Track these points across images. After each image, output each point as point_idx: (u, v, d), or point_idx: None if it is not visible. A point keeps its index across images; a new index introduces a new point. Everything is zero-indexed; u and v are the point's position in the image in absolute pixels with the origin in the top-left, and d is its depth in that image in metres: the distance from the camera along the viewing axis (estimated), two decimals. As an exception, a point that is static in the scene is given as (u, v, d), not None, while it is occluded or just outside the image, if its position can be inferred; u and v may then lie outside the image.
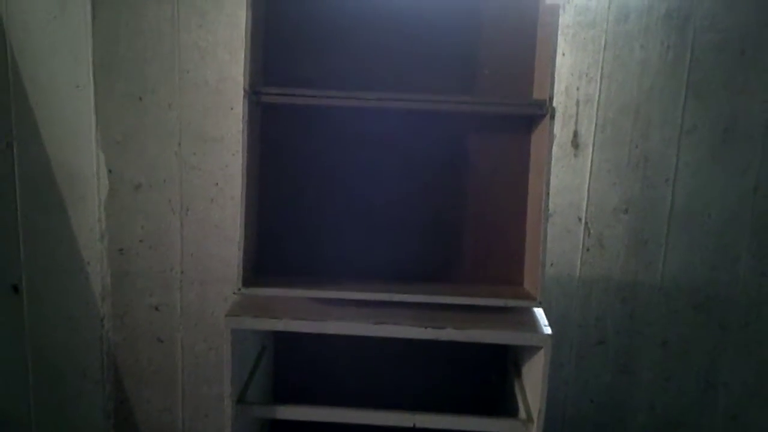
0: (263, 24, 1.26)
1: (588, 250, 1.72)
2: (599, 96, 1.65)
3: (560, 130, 1.66)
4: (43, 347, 1.76)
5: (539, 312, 1.25)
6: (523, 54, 1.29)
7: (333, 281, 1.26)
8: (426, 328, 1.14)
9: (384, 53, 1.31)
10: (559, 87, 1.63)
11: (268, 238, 1.32)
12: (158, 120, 1.66)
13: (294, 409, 1.22)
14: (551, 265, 1.72)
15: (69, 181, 1.68)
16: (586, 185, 1.69)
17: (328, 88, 1.25)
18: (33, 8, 1.60)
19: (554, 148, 1.65)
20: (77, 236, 1.71)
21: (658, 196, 1.68)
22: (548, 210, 1.20)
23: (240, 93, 1.19)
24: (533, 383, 1.18)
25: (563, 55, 1.62)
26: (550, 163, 1.18)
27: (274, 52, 1.30)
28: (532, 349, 1.19)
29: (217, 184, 1.70)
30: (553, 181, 1.66)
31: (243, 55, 1.16)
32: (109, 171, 1.69)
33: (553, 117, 1.17)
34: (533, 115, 1.24)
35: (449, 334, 1.14)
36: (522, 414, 1.21)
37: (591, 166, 1.68)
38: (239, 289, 1.17)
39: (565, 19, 1.60)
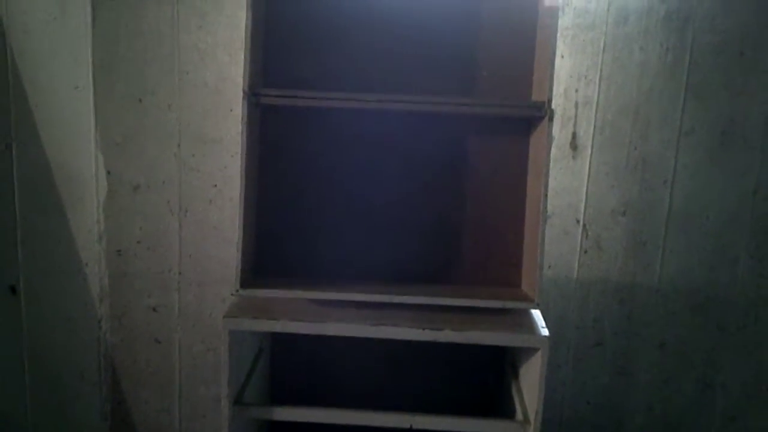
0: (263, 25, 1.27)
1: (586, 251, 1.72)
2: (598, 98, 1.65)
3: (559, 131, 1.66)
4: (40, 348, 1.76)
5: (537, 314, 1.26)
6: (522, 56, 1.29)
7: (331, 283, 1.26)
8: (424, 329, 1.14)
9: (384, 55, 1.31)
10: (558, 89, 1.63)
11: (266, 240, 1.32)
12: (158, 121, 1.67)
13: (291, 411, 1.22)
14: (549, 266, 1.72)
15: (68, 182, 1.69)
16: (585, 187, 1.69)
17: (328, 89, 1.25)
18: (33, 9, 1.60)
19: (553, 150, 1.65)
20: (75, 237, 1.71)
21: (656, 198, 1.68)
22: (546, 212, 1.20)
23: (239, 94, 1.19)
24: (530, 385, 1.18)
25: (562, 57, 1.62)
26: (548, 164, 1.18)
27: (274, 54, 1.30)
28: (530, 351, 1.19)
29: (215, 185, 1.70)
30: (552, 182, 1.66)
31: (242, 57, 1.16)
32: (108, 172, 1.69)
33: (551, 119, 1.17)
34: (532, 117, 1.25)
35: (447, 335, 1.14)
36: (519, 415, 1.21)
37: (589, 168, 1.68)
38: (237, 291, 1.17)
39: (564, 22, 1.61)
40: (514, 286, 1.32)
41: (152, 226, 1.72)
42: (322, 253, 1.34)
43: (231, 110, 1.65)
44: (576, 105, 1.65)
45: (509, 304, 1.20)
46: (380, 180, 1.33)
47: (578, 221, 1.70)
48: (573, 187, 1.69)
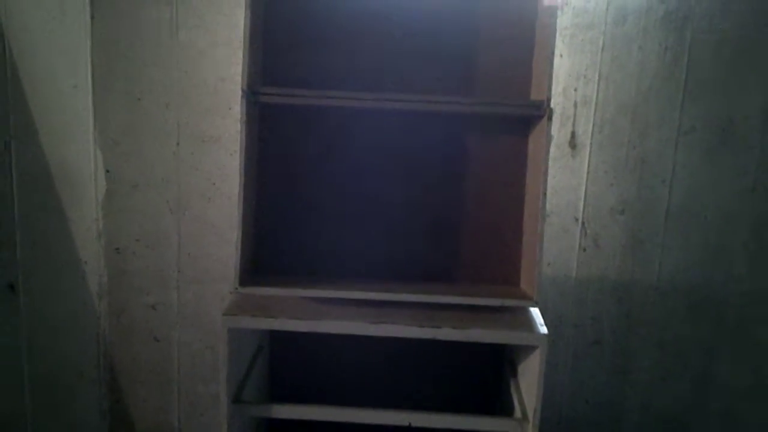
0: (261, 24, 1.27)
1: (584, 250, 1.72)
2: (597, 97, 1.65)
3: (558, 130, 1.67)
4: (39, 346, 1.76)
5: (535, 312, 1.26)
6: (521, 55, 1.30)
7: (330, 281, 1.26)
8: (423, 327, 1.14)
9: (383, 54, 1.31)
10: (557, 88, 1.63)
11: (265, 238, 1.32)
12: (156, 120, 1.67)
13: (290, 408, 1.22)
14: (548, 265, 1.73)
15: (67, 181, 1.68)
16: (584, 186, 1.69)
17: (326, 88, 1.26)
18: (32, 8, 1.60)
19: (552, 149, 1.65)
20: (74, 235, 1.71)
21: (654, 197, 1.68)
22: (545, 210, 1.21)
23: (238, 93, 1.19)
24: (529, 382, 1.18)
25: (561, 56, 1.63)
26: (547, 163, 1.18)
27: (273, 53, 1.30)
28: (528, 349, 1.19)
29: (214, 183, 1.70)
30: (551, 181, 1.66)
31: (241, 55, 1.16)
32: (107, 170, 1.69)
33: (550, 118, 1.18)
34: (531, 115, 1.25)
35: (446, 333, 1.15)
36: (518, 413, 1.22)
37: (588, 166, 1.68)
38: (236, 289, 1.18)
39: (563, 21, 1.61)
40: (513, 284, 1.32)
41: (151, 224, 1.72)
42: (321, 251, 1.34)
43: (230, 109, 1.65)
44: (575, 104, 1.65)
45: (508, 302, 1.20)
46: (379, 178, 1.33)
47: (577, 220, 1.71)
48: (572, 185, 1.69)
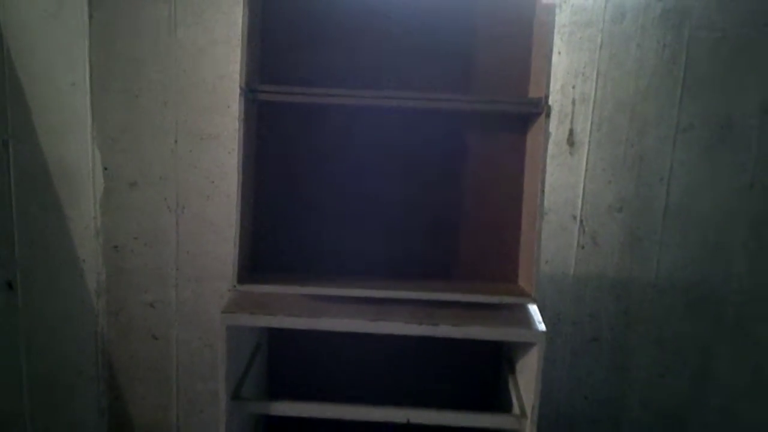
0: (260, 22, 1.27)
1: (583, 247, 1.72)
2: (595, 95, 1.65)
3: (556, 128, 1.67)
4: (37, 344, 1.75)
5: (534, 309, 1.26)
6: (520, 53, 1.30)
7: (328, 278, 1.26)
8: (421, 324, 1.15)
9: (381, 52, 1.31)
10: (555, 86, 1.63)
11: (263, 236, 1.33)
12: (154, 118, 1.66)
13: (288, 405, 1.22)
14: (546, 262, 1.73)
15: (65, 179, 1.68)
16: (582, 183, 1.69)
17: (325, 86, 1.25)
18: (30, 6, 1.59)
19: (550, 147, 1.65)
20: (72, 233, 1.71)
21: (653, 194, 1.69)
22: (543, 207, 1.21)
23: (236, 91, 1.19)
24: (527, 379, 1.19)
25: (559, 54, 1.63)
26: (545, 161, 1.18)
27: (271, 50, 1.30)
28: (527, 346, 1.19)
29: (213, 181, 1.70)
30: (549, 179, 1.67)
31: (239, 53, 1.16)
32: (105, 168, 1.69)
33: (548, 115, 1.18)
34: (529, 113, 1.25)
35: (444, 330, 1.15)
36: (516, 410, 1.22)
37: (586, 164, 1.68)
38: (235, 286, 1.18)
39: (561, 19, 1.61)
40: (511, 281, 1.32)
41: (149, 222, 1.72)
42: (320, 248, 1.34)
43: (228, 107, 1.65)
44: (573, 101, 1.65)
45: (506, 300, 1.20)
46: (377, 175, 1.34)
47: (575, 217, 1.71)
48: (570, 183, 1.69)
